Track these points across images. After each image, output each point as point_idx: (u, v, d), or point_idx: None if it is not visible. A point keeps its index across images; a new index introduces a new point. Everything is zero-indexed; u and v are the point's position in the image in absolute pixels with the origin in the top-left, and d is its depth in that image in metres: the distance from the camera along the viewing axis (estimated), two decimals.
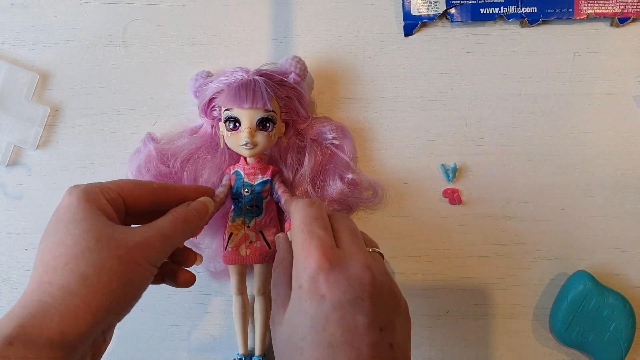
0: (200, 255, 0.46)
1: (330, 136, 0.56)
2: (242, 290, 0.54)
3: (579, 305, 0.53)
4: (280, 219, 0.55)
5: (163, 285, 0.44)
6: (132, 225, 0.39)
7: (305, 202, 0.40)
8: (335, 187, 0.55)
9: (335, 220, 0.41)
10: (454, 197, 0.57)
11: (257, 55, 0.58)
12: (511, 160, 0.58)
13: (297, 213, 0.39)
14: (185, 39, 0.59)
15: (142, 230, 0.37)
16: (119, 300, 0.35)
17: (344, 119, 0.58)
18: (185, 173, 0.54)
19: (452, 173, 0.57)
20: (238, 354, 0.54)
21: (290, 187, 0.55)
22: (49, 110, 0.58)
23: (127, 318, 0.38)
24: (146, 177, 0.54)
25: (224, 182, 0.53)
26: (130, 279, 0.35)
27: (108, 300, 0.34)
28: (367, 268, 0.37)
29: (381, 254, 0.43)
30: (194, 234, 0.44)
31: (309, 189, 0.54)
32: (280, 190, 0.53)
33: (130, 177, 0.55)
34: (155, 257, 0.37)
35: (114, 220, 0.37)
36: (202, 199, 0.45)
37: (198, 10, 0.59)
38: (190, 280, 0.44)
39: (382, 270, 0.39)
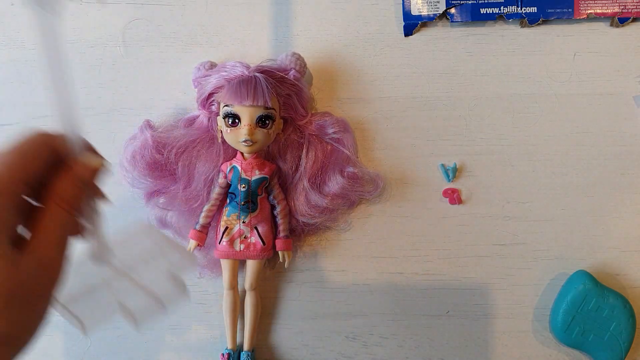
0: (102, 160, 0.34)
1: (330, 130, 0.56)
2: (233, 284, 0.55)
3: (579, 305, 0.53)
4: (273, 215, 0.55)
5: None
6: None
7: None
8: (336, 182, 0.55)
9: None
10: (454, 197, 0.57)
11: (257, 55, 0.58)
12: (511, 160, 0.58)
13: None
14: (185, 39, 0.59)
15: (36, 262, 0.28)
16: None
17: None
18: (179, 164, 0.54)
19: (452, 173, 0.57)
20: (227, 348, 0.55)
21: (289, 183, 0.56)
22: None
23: None
24: (140, 164, 0.54)
25: (220, 180, 0.53)
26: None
27: None
28: None
29: None
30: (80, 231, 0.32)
31: (306, 184, 0.55)
32: (278, 199, 0.54)
33: (125, 164, 0.54)
34: (57, 286, 0.29)
35: (17, 240, 0.28)
36: (87, 159, 0.32)
37: (198, 10, 0.59)
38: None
39: None
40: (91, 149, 0.33)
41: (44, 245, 0.29)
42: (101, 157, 0.33)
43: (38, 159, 0.30)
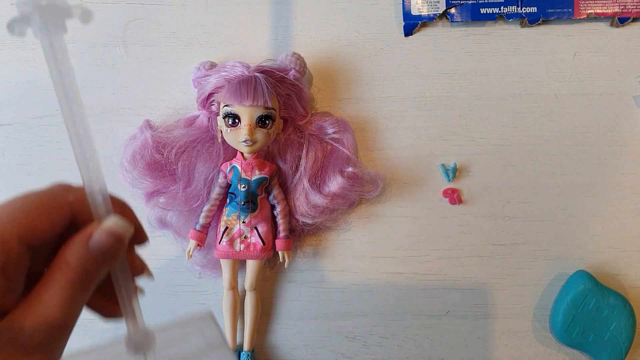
0: (148, 269, 0.30)
1: (330, 130, 0.56)
2: (233, 285, 0.55)
3: (579, 305, 0.53)
4: (273, 215, 0.55)
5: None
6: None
7: None
8: (336, 182, 0.55)
9: None
10: (454, 197, 0.57)
11: (257, 55, 0.58)
12: (511, 160, 0.58)
13: None
14: (185, 39, 0.59)
15: (20, 344, 0.23)
16: None
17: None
18: (179, 164, 0.54)
19: (452, 173, 0.57)
20: None
21: (289, 183, 0.56)
22: None
23: None
24: (140, 164, 0.54)
25: (220, 180, 0.54)
26: None
27: None
28: None
29: None
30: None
31: (306, 184, 0.55)
32: (278, 199, 0.54)
33: (125, 164, 0.54)
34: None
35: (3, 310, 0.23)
36: (111, 223, 0.25)
37: (198, 10, 0.59)
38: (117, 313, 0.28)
39: None
40: (126, 212, 0.27)
41: (35, 322, 0.23)
42: (134, 222, 0.26)
43: (48, 216, 0.24)
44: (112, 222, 0.25)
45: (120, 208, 0.26)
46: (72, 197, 0.25)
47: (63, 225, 0.25)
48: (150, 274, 0.28)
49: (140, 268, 0.27)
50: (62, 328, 0.24)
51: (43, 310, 0.23)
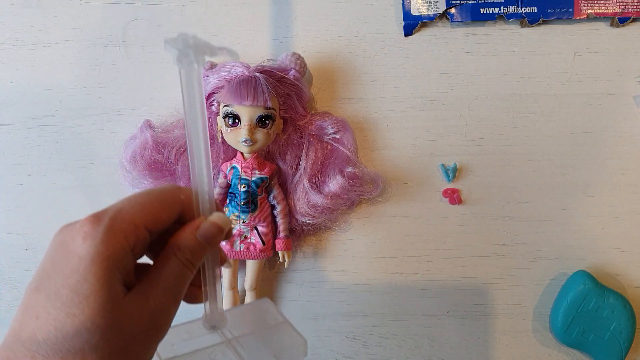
0: (229, 260, 0.36)
1: (330, 130, 0.56)
2: (234, 285, 0.55)
3: (579, 305, 0.53)
4: (273, 215, 0.55)
5: None
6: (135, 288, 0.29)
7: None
8: (336, 182, 0.55)
9: None
10: (454, 197, 0.57)
11: (257, 55, 0.58)
12: (511, 160, 0.58)
13: None
14: None
15: (147, 308, 0.28)
16: None
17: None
18: (179, 164, 0.54)
19: (452, 173, 0.57)
20: None
21: (289, 183, 0.56)
22: None
23: None
24: (140, 164, 0.54)
25: (220, 180, 0.54)
26: None
27: None
28: None
29: None
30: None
31: (306, 184, 0.55)
32: (278, 199, 0.54)
33: (125, 164, 0.55)
34: (162, 336, 0.30)
35: (129, 283, 0.28)
36: (215, 217, 0.32)
37: (198, 10, 0.59)
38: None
39: None
40: (221, 211, 0.33)
41: (157, 293, 0.28)
42: (229, 220, 0.32)
43: (166, 210, 0.30)
44: (216, 216, 0.31)
45: (219, 208, 0.33)
46: (183, 196, 0.31)
47: (175, 218, 0.30)
48: (230, 265, 0.36)
49: (223, 258, 0.33)
50: (174, 303, 0.30)
51: (162, 283, 0.29)
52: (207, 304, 0.33)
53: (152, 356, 0.29)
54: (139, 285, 0.28)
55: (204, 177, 0.31)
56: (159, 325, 0.29)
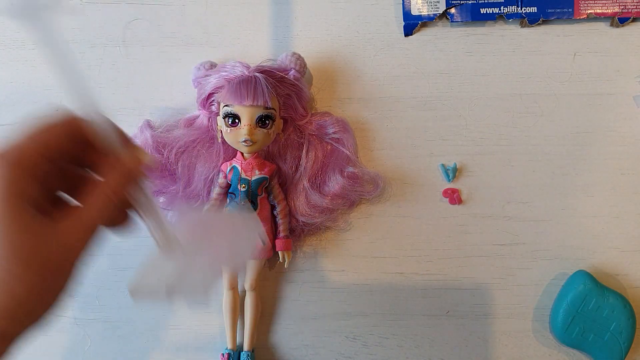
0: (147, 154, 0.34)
1: (330, 130, 0.56)
2: (234, 285, 0.55)
3: (579, 305, 0.53)
4: (273, 215, 0.55)
5: None
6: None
7: None
8: (336, 182, 0.55)
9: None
10: (454, 197, 0.57)
11: (257, 55, 0.58)
12: (511, 160, 0.58)
13: None
14: (185, 39, 0.59)
15: (66, 231, 0.29)
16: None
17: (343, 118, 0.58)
18: (179, 164, 0.54)
19: (452, 173, 0.57)
20: (226, 348, 0.55)
21: (289, 183, 0.56)
22: None
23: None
24: None
25: (219, 180, 0.54)
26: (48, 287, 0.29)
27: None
28: None
29: None
30: (123, 220, 0.33)
31: (306, 184, 0.55)
32: (278, 199, 0.54)
33: None
34: (79, 259, 0.30)
35: (41, 207, 0.29)
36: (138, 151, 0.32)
37: (198, 10, 0.59)
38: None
39: None
40: (130, 142, 0.33)
41: (68, 216, 0.29)
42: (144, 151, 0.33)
43: (61, 135, 0.30)
44: (141, 153, 0.32)
45: (125, 137, 0.33)
46: (79, 121, 0.31)
47: (78, 142, 0.31)
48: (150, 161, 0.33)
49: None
50: (94, 227, 0.30)
51: (76, 210, 0.30)
52: (154, 233, 0.33)
53: (68, 282, 0.29)
54: (55, 213, 0.29)
55: (90, 104, 0.31)
56: (72, 254, 0.29)
